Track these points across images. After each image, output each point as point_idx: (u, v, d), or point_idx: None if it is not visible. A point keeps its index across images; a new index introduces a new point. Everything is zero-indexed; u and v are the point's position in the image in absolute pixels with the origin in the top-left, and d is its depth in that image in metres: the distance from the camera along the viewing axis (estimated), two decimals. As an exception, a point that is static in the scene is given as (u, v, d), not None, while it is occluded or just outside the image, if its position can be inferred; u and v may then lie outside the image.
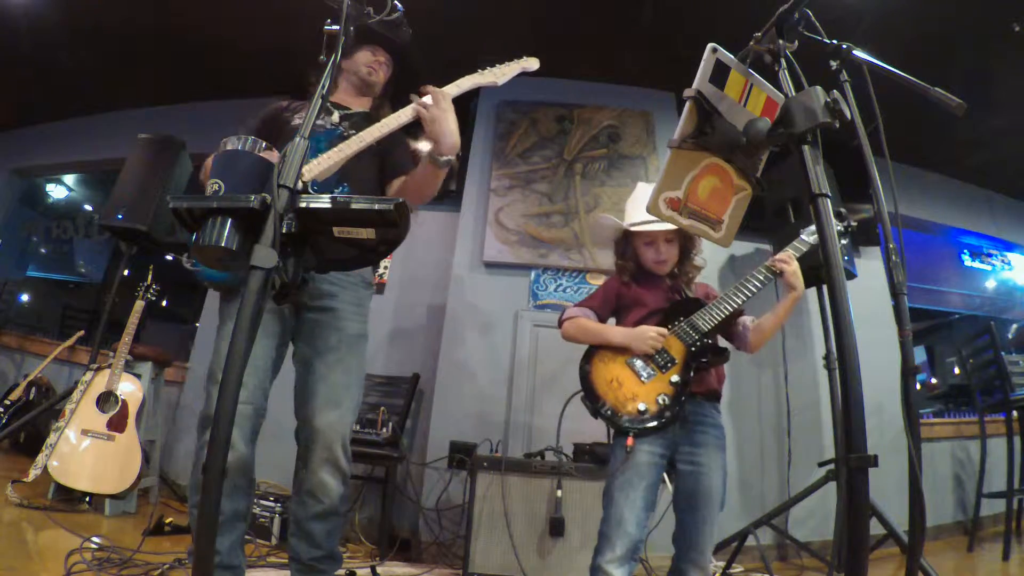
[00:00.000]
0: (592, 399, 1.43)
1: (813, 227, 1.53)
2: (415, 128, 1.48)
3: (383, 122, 1.45)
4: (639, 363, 1.44)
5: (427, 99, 1.42)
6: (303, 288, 0.96)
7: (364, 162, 1.53)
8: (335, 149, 1.41)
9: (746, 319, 1.53)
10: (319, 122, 1.58)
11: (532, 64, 1.65)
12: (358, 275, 1.57)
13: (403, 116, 1.45)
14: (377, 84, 1.71)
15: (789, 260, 1.46)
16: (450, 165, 1.48)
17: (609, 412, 1.40)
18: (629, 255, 1.59)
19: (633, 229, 1.55)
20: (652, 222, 1.48)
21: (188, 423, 3.14)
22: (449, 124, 1.42)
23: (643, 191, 1.62)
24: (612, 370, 1.45)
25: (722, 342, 1.55)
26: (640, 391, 1.41)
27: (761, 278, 1.45)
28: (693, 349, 1.43)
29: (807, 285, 2.70)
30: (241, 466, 1.34)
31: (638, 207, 1.57)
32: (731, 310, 1.44)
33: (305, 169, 1.39)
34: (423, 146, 1.53)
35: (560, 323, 1.59)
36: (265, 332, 1.41)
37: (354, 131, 1.49)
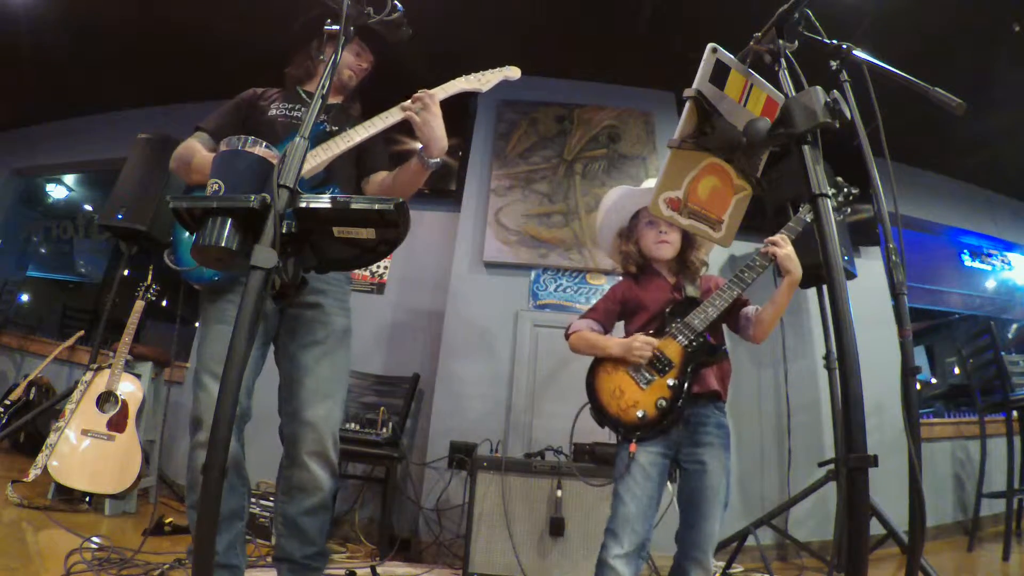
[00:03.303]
0: (598, 411, 1.47)
1: (805, 208, 1.53)
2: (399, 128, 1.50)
3: (371, 122, 1.47)
4: (638, 371, 1.46)
5: (416, 104, 1.43)
6: (303, 288, 0.96)
7: (344, 158, 1.52)
8: (322, 147, 1.43)
9: (749, 309, 1.52)
10: (295, 114, 1.58)
11: (514, 73, 1.69)
12: (341, 272, 1.55)
13: (390, 117, 1.46)
14: (353, 87, 1.70)
15: (782, 243, 1.42)
16: (437, 167, 1.50)
17: (613, 422, 1.44)
18: (633, 239, 1.61)
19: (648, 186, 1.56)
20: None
21: (188, 423, 3.13)
22: (440, 127, 1.44)
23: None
24: (615, 380, 1.48)
25: (726, 338, 1.57)
26: (640, 398, 1.43)
27: (756, 266, 1.44)
28: (689, 350, 1.44)
29: (807, 285, 2.76)
30: (234, 464, 1.33)
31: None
32: (726, 305, 1.44)
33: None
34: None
35: (567, 337, 1.63)
36: (259, 332, 1.39)
37: (336, 127, 1.51)
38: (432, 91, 1.46)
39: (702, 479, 1.38)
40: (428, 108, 1.43)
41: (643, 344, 1.44)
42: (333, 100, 1.67)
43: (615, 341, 1.52)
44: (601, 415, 1.46)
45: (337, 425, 1.45)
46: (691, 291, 1.55)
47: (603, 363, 1.52)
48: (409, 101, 1.45)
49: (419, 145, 1.49)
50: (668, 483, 1.49)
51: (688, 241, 1.58)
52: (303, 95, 1.64)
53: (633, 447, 1.39)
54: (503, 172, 3.27)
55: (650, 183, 1.62)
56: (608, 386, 1.48)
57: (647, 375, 1.45)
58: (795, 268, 1.40)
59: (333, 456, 1.42)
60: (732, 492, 2.75)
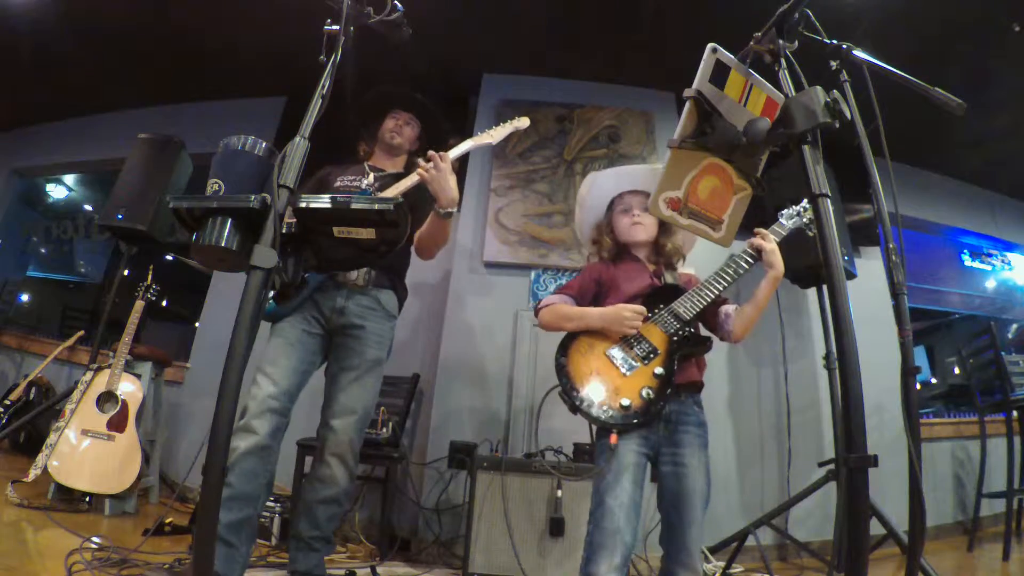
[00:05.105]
0: (570, 394, 1.33)
1: (791, 210, 1.51)
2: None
3: (395, 185, 1.74)
4: (619, 354, 1.36)
5: (430, 163, 1.62)
6: (303, 288, 0.96)
7: None
8: None
9: (728, 307, 1.47)
10: (355, 183, 1.84)
11: (523, 123, 1.90)
12: (384, 309, 1.79)
13: (409, 180, 1.70)
14: (402, 144, 1.96)
15: (768, 238, 1.40)
16: (451, 216, 1.69)
17: (590, 408, 1.31)
18: (606, 229, 1.61)
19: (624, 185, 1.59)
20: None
21: (188, 423, 3.14)
22: (448, 182, 1.62)
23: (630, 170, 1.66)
24: (591, 362, 1.36)
25: (704, 332, 1.49)
26: (623, 384, 1.32)
27: (742, 262, 1.39)
28: (675, 339, 1.37)
29: (808, 285, 2.77)
30: (258, 451, 1.49)
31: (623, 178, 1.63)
32: (713, 296, 1.38)
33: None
34: None
35: (536, 312, 1.53)
36: (307, 348, 1.70)
37: (380, 191, 1.77)
38: (444, 153, 1.65)
39: (685, 482, 1.32)
40: (437, 165, 1.61)
41: (633, 314, 1.35)
42: (392, 168, 1.94)
43: (595, 311, 1.42)
44: (575, 400, 1.32)
45: (357, 434, 1.70)
46: (670, 279, 1.51)
47: (576, 342, 1.40)
48: (424, 161, 1.64)
49: None
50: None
51: (663, 227, 1.56)
52: (367, 168, 1.91)
53: (614, 438, 1.29)
54: (503, 172, 3.26)
55: (623, 168, 1.66)
56: (584, 368, 1.35)
57: (630, 360, 1.35)
58: (779, 264, 1.37)
59: (351, 460, 1.68)
60: (732, 492, 2.79)
